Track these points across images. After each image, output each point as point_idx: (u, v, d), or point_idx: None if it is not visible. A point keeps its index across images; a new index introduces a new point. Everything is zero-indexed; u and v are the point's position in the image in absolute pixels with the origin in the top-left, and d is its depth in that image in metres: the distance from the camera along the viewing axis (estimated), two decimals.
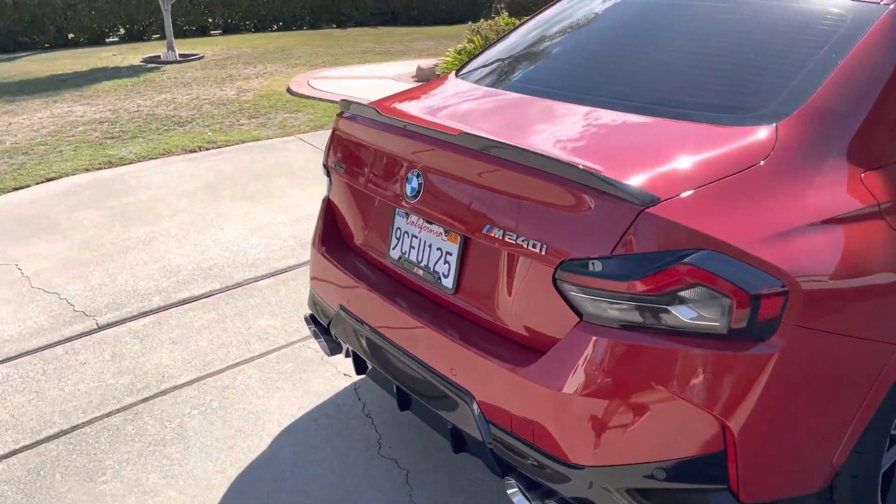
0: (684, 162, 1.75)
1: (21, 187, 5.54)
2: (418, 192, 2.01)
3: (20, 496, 2.49)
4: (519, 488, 1.84)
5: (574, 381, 1.67)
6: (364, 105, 2.26)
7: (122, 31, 14.54)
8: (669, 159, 1.77)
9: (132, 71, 10.61)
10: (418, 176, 2.02)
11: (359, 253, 2.39)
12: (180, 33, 14.73)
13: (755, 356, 1.60)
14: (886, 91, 1.87)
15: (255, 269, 4.06)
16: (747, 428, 1.64)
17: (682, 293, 1.59)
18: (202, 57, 11.76)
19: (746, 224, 1.63)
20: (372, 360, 2.26)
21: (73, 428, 2.83)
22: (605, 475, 1.70)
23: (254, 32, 15.65)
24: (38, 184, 5.61)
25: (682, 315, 1.60)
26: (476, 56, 2.76)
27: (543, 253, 1.70)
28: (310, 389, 2.99)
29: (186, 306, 3.71)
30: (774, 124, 1.82)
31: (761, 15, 2.18)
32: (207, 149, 6.39)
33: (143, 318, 3.61)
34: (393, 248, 2.19)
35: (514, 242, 1.76)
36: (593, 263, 1.62)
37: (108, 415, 2.90)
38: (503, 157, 1.80)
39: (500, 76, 2.51)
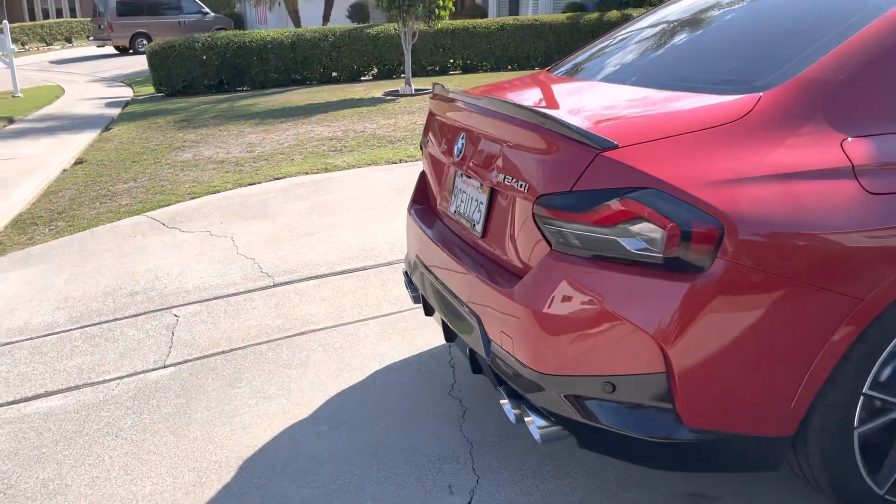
0: (659, 120, 2.00)
1: (254, 183, 6.70)
2: (462, 151, 2.43)
3: (180, 389, 3.23)
4: (506, 397, 2.16)
5: (539, 299, 1.97)
6: (443, 86, 2.73)
7: (375, 70, 16.32)
8: (646, 118, 2.03)
9: (371, 102, 11.99)
10: (463, 138, 2.44)
11: (435, 213, 2.84)
12: (424, 72, 16.22)
13: (688, 287, 1.81)
14: (873, 70, 1.96)
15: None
16: (684, 353, 1.83)
17: (628, 226, 1.85)
18: None
19: (696, 171, 1.85)
20: (429, 297, 2.68)
21: (232, 350, 3.56)
22: (562, 384, 1.97)
23: (489, 72, 16.77)
24: (266, 181, 6.74)
25: (629, 245, 1.86)
26: (569, 55, 3.12)
27: (526, 192, 2.04)
28: (413, 342, 3.46)
29: (343, 275, 4.38)
30: (760, 94, 1.99)
31: (784, 8, 2.34)
32: (406, 161, 7.20)
33: (308, 281, 4.33)
34: (452, 204, 2.62)
35: (511, 185, 2.11)
36: (557, 198, 1.93)
37: (258, 344, 3.60)
38: (507, 114, 2.16)
39: (574, 68, 2.85)
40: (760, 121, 1.93)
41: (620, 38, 2.95)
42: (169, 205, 6.19)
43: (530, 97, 2.54)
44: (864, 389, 1.92)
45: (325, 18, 21.61)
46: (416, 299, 2.99)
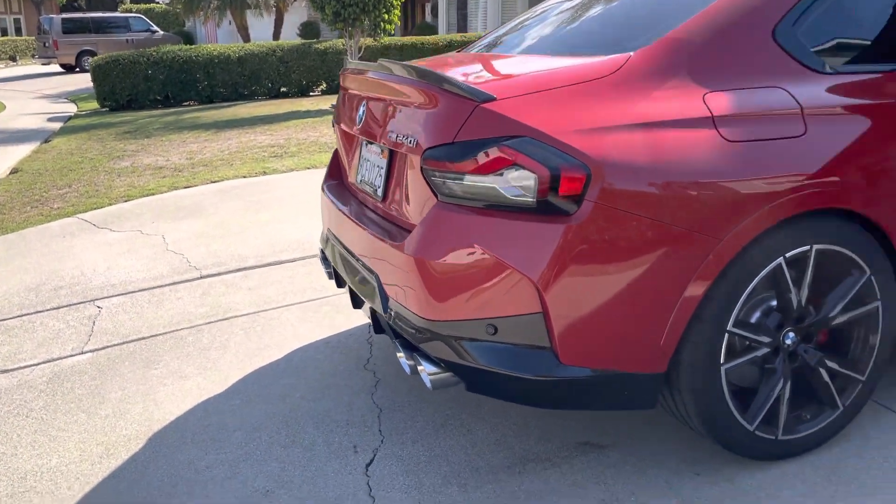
0: (535, 77, 2.10)
1: (190, 186, 6.68)
2: (363, 118, 2.50)
3: (95, 373, 3.22)
4: (401, 349, 2.22)
5: (424, 248, 2.04)
6: (352, 61, 2.81)
7: (324, 85, 16.38)
8: (525, 75, 2.13)
9: (318, 113, 12.04)
10: (364, 105, 2.51)
11: (346, 187, 2.91)
12: None
13: (559, 228, 1.90)
14: (731, 31, 2.10)
15: None
16: (557, 293, 1.92)
17: (505, 173, 1.94)
18: None
19: (567, 120, 1.95)
20: (338, 267, 2.74)
21: (153, 336, 3.56)
22: (448, 329, 2.04)
23: None
24: (203, 184, 6.73)
25: (506, 192, 1.94)
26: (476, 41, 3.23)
27: (415, 146, 2.12)
28: (334, 323, 3.51)
29: (271, 266, 4.41)
30: (630, 53, 2.11)
31: None
32: None
33: (235, 273, 4.35)
34: (359, 174, 2.69)
35: (403, 142, 2.19)
36: (441, 149, 2.02)
37: (180, 330, 3.60)
38: (399, 75, 2.25)
39: (476, 47, 2.95)
40: (629, 76, 2.05)
41: (521, 21, 3.07)
42: (101, 207, 6.14)
43: (426, 63, 2.63)
44: (729, 327, 2.03)
45: (276, 35, 21.63)
46: (330, 275, 3.04)
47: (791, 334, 2.15)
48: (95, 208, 6.12)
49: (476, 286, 1.99)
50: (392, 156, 2.38)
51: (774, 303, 2.13)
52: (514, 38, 2.83)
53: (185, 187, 6.68)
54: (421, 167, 2.09)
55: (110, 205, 6.23)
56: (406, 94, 2.22)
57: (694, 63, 2.07)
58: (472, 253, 1.98)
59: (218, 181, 6.84)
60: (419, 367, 2.14)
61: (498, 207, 1.96)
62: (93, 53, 24.36)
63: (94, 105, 15.28)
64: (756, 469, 2.21)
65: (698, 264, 1.95)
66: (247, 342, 3.39)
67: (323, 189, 3.00)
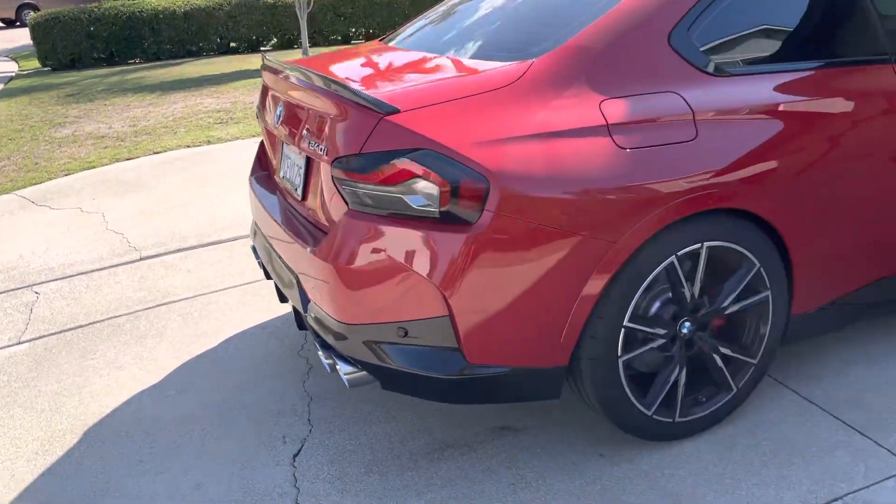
0: (440, 86, 2.16)
1: (132, 158, 6.61)
2: (281, 119, 2.54)
3: (32, 364, 3.26)
4: (320, 348, 2.31)
5: (338, 255, 2.12)
6: (268, 57, 2.82)
7: (274, 39, 16.05)
8: (430, 84, 2.18)
9: None
10: (282, 107, 2.55)
11: (272, 180, 2.95)
12: (326, 42, 16.08)
13: (462, 237, 1.99)
14: (627, 38, 2.17)
15: None
16: (462, 297, 2.02)
17: (410, 184, 2.01)
18: None
19: (468, 132, 2.02)
20: (265, 261, 2.80)
21: (90, 323, 3.60)
22: (362, 332, 2.13)
23: None
24: (145, 156, 6.66)
25: (412, 202, 2.02)
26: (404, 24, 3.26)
27: (325, 154, 2.17)
28: (271, 308, 3.58)
29: (211, 247, 4.44)
30: (532, 60, 2.18)
31: None
32: None
33: (175, 254, 4.37)
34: (281, 170, 2.73)
35: (315, 150, 2.24)
36: (348, 160, 2.08)
37: (117, 317, 3.65)
38: (311, 83, 2.29)
39: (399, 37, 2.98)
40: (530, 85, 2.12)
41: (444, 9, 3.09)
42: (41, 182, 6.07)
43: (342, 67, 2.66)
44: (625, 322, 2.16)
45: None
46: (260, 265, 3.10)
47: (687, 324, 2.29)
48: (35, 183, 6.05)
49: (386, 292, 2.08)
50: (308, 158, 2.43)
51: (669, 296, 2.26)
52: (432, 32, 2.86)
53: (127, 159, 6.60)
54: (331, 176, 2.15)
55: (50, 179, 6.15)
56: (317, 102, 2.26)
57: (592, 71, 2.14)
58: (382, 260, 2.06)
59: (161, 152, 6.77)
60: (337, 367, 2.23)
61: (404, 216, 2.04)
62: (34, 7, 23.47)
63: (37, 64, 14.82)
64: (656, 449, 2.37)
65: (594, 266, 2.06)
66: (183, 329, 3.46)
67: (250, 181, 3.04)
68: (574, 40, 2.19)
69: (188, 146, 6.91)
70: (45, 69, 14.46)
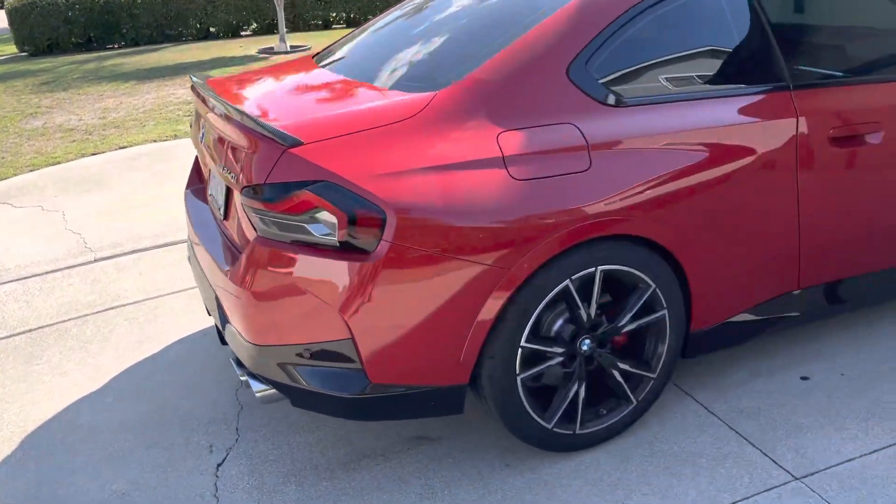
0: (345, 118, 2.25)
1: (98, 153, 6.68)
2: (204, 140, 2.63)
3: None
4: (236, 366, 2.42)
5: (247, 279, 2.22)
6: (194, 77, 2.90)
7: (254, 24, 16.01)
8: (336, 115, 2.28)
9: (243, 60, 11.86)
10: (204, 128, 2.64)
11: (206, 194, 3.04)
12: (307, 26, 16.06)
13: (360, 265, 2.09)
14: (524, 71, 2.27)
15: None
16: (363, 322, 2.13)
17: (311, 214, 2.11)
18: (310, 48, 12.86)
19: (367, 164, 2.12)
20: (194, 276, 2.90)
21: (39, 328, 3.70)
22: (271, 352, 2.24)
23: None
24: (111, 150, 6.73)
25: (314, 230, 2.12)
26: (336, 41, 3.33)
27: (236, 182, 2.27)
28: None
29: (165, 248, 4.53)
30: (435, 92, 2.27)
31: (495, 9, 2.63)
32: None
33: (130, 255, 4.47)
34: (210, 187, 2.82)
35: (228, 175, 2.34)
36: (255, 189, 2.17)
37: (66, 321, 3.75)
38: (224, 111, 2.38)
39: (327, 57, 3.06)
40: (431, 117, 2.21)
41: (372, 27, 3.17)
42: (5, 178, 6.13)
43: (262, 92, 2.74)
44: (522, 342, 2.27)
45: None
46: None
47: (587, 341, 2.40)
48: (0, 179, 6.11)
49: (292, 315, 2.18)
50: None
51: (567, 316, 2.37)
52: (359, 55, 2.92)
53: (93, 154, 6.67)
54: (241, 202, 2.25)
55: (15, 175, 6.22)
56: (229, 130, 2.35)
57: (491, 104, 2.24)
58: (287, 285, 2.17)
59: (127, 146, 6.84)
60: (250, 383, 2.34)
61: (308, 244, 2.14)
62: None
63: (14, 49, 14.77)
64: (558, 459, 2.50)
65: (489, 291, 2.17)
66: (128, 335, 3.56)
67: (185, 194, 3.13)
68: (475, 74, 2.29)
69: (154, 141, 6.97)
70: (23, 54, 14.42)
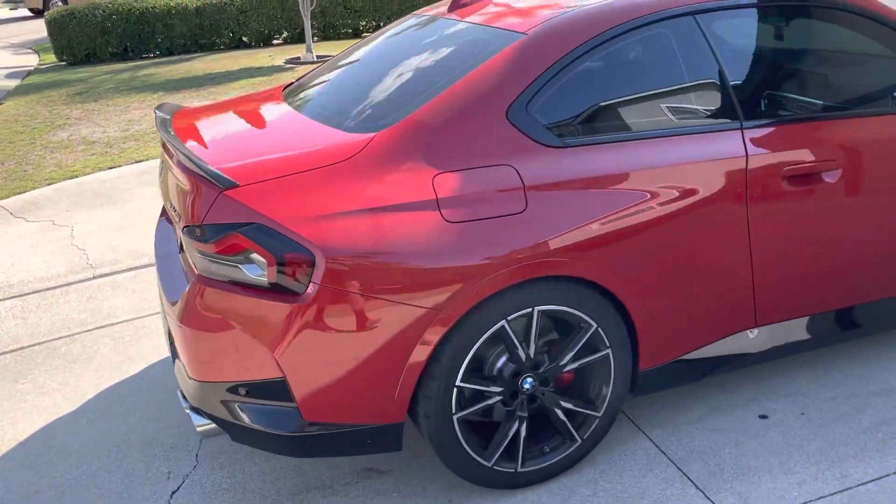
0: (283, 160, 2.29)
1: (114, 167, 6.86)
2: (161, 174, 2.70)
3: None
4: (182, 398, 2.48)
5: (187, 316, 2.28)
6: (161, 111, 2.97)
7: (285, 34, 16.22)
8: (278, 156, 2.32)
9: (269, 71, 12.05)
10: (162, 162, 2.71)
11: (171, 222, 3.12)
12: (336, 35, 16.23)
13: (290, 307, 2.13)
14: (462, 113, 2.28)
15: None
16: (293, 361, 2.17)
17: (245, 255, 2.16)
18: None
19: (300, 207, 2.15)
20: (160, 306, 2.97)
21: (31, 345, 3.83)
22: (210, 388, 2.29)
23: None
24: (127, 164, 6.90)
25: (248, 272, 2.17)
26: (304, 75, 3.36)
27: (179, 220, 2.33)
28: None
29: None
30: (374, 133, 2.30)
31: (440, 47, 2.65)
32: None
33: (126, 273, 4.59)
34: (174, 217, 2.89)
35: (173, 213, 2.40)
36: (193, 229, 2.23)
37: (57, 339, 3.87)
38: (172, 149, 2.44)
39: (292, 92, 3.08)
40: (368, 159, 2.24)
41: (341, 61, 3.20)
42: (24, 192, 6.33)
43: (215, 128, 2.77)
44: (458, 382, 2.28)
45: None
46: None
47: (529, 380, 2.40)
48: (18, 193, 6.32)
49: (230, 353, 2.23)
50: None
51: (507, 356, 2.37)
52: (320, 90, 2.93)
53: (109, 168, 6.85)
54: (182, 240, 2.31)
55: (33, 188, 6.42)
56: (177, 167, 2.41)
57: (429, 146, 2.26)
58: (223, 323, 2.22)
59: (142, 160, 7.00)
60: (191, 417, 2.40)
61: (242, 284, 2.19)
62: None
63: (55, 58, 15.20)
64: (503, 496, 2.50)
65: (421, 332, 2.19)
66: (112, 354, 3.66)
67: (159, 220, 3.21)
68: (414, 115, 2.31)
69: None
70: (62, 63, 14.83)
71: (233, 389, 2.27)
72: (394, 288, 2.15)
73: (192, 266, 2.31)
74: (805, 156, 2.54)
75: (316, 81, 3.06)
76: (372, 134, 2.31)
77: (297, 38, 16.32)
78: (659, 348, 2.53)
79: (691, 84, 2.51)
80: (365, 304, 2.15)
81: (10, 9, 25.33)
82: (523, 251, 2.23)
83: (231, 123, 2.80)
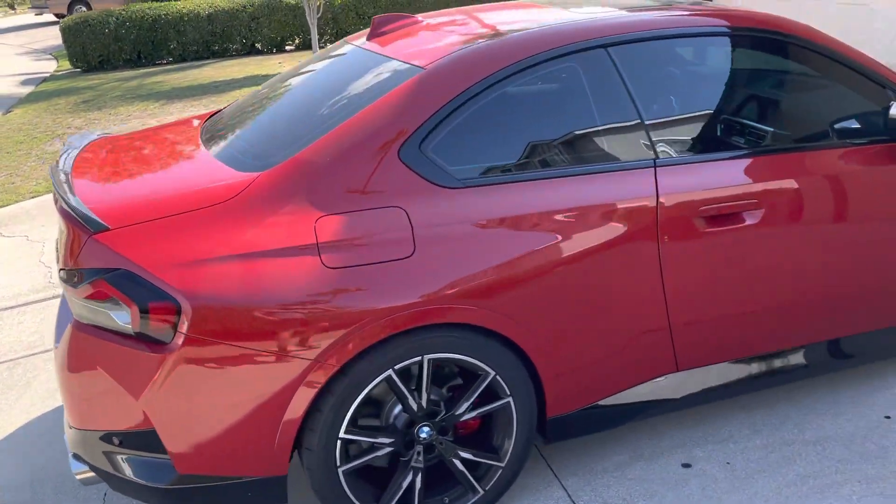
0: (159, 201, 2.20)
1: None
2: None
3: None
4: (67, 442, 2.40)
5: (62, 360, 2.21)
6: (71, 142, 2.90)
7: (297, 40, 16.24)
8: (150, 198, 2.23)
9: None
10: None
11: None
12: None
13: (156, 356, 2.05)
14: (349, 153, 2.17)
15: None
16: (161, 412, 2.09)
17: (112, 301, 2.08)
18: None
19: (169, 252, 2.07)
20: None
21: None
22: (85, 436, 2.22)
23: None
24: None
25: (117, 318, 2.09)
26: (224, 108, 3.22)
27: (58, 262, 2.25)
28: None
29: None
30: (258, 173, 2.21)
31: (349, 80, 2.54)
32: None
33: None
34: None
35: (55, 254, 2.32)
36: (65, 273, 2.16)
37: (1, 363, 3.84)
38: (60, 189, 2.36)
39: (209, 127, 2.94)
40: (248, 201, 2.15)
41: (260, 93, 3.08)
42: (7, 205, 6.36)
43: (114, 163, 2.67)
44: (341, 434, 2.18)
45: None
46: None
47: (426, 429, 2.29)
48: (2, 206, 6.34)
49: (101, 401, 2.16)
50: None
51: (399, 407, 2.27)
52: (230, 123, 2.80)
53: None
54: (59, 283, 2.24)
55: (16, 202, 6.45)
56: (59, 207, 2.33)
57: (314, 187, 2.15)
58: (95, 371, 2.14)
59: None
60: (71, 463, 2.33)
61: (111, 331, 2.11)
62: (85, 3, 24.30)
63: (70, 65, 15.39)
64: None
65: (297, 384, 2.09)
66: (47, 382, 3.61)
67: None
68: (299, 155, 2.21)
69: None
70: (77, 70, 15.01)
71: (106, 438, 2.19)
72: (266, 337, 2.05)
73: (71, 310, 2.24)
74: (723, 194, 2.40)
75: (231, 114, 2.96)
76: (256, 174, 2.21)
77: (309, 45, 16.33)
78: (569, 394, 2.41)
79: (601, 120, 2.38)
80: (236, 355, 2.05)
81: (36, 14, 25.74)
82: (408, 298, 2.12)
83: (136, 157, 2.73)
